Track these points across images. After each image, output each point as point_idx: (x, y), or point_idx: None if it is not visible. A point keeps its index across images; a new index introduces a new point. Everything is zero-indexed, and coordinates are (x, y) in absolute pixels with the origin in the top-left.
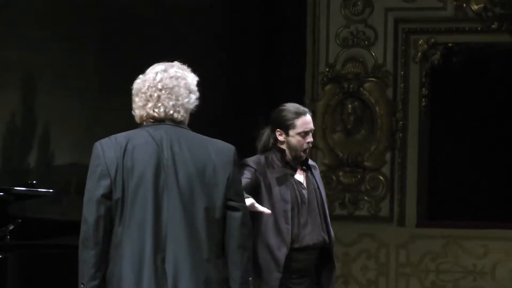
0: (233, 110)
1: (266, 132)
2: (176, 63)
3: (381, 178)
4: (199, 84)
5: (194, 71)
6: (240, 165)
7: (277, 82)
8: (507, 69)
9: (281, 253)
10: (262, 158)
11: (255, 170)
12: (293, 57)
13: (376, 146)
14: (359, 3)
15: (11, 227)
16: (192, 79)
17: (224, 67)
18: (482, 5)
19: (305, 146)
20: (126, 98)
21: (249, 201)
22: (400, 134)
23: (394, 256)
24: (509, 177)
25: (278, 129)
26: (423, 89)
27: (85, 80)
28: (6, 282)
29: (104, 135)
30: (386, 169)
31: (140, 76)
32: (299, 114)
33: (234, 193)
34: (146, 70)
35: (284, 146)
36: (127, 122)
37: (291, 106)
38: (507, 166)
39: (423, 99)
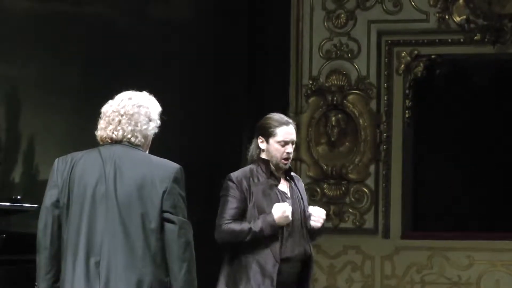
0: (217, 123)
1: (254, 142)
2: (144, 93)
3: (366, 190)
4: (186, 97)
5: (179, 84)
6: (224, 181)
7: (261, 95)
8: (491, 80)
9: (272, 267)
10: (247, 170)
11: (238, 185)
12: (277, 69)
13: (360, 158)
14: (342, 15)
15: None
16: (154, 109)
17: (209, 80)
18: (464, 16)
19: (284, 155)
20: None
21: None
22: (384, 146)
23: (379, 268)
24: (493, 188)
25: (260, 136)
26: (407, 101)
27: (69, 95)
28: None
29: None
30: (370, 181)
31: (109, 101)
32: (281, 123)
33: (171, 206)
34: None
35: (265, 155)
36: None
37: (276, 115)
38: (491, 177)
39: (407, 111)
